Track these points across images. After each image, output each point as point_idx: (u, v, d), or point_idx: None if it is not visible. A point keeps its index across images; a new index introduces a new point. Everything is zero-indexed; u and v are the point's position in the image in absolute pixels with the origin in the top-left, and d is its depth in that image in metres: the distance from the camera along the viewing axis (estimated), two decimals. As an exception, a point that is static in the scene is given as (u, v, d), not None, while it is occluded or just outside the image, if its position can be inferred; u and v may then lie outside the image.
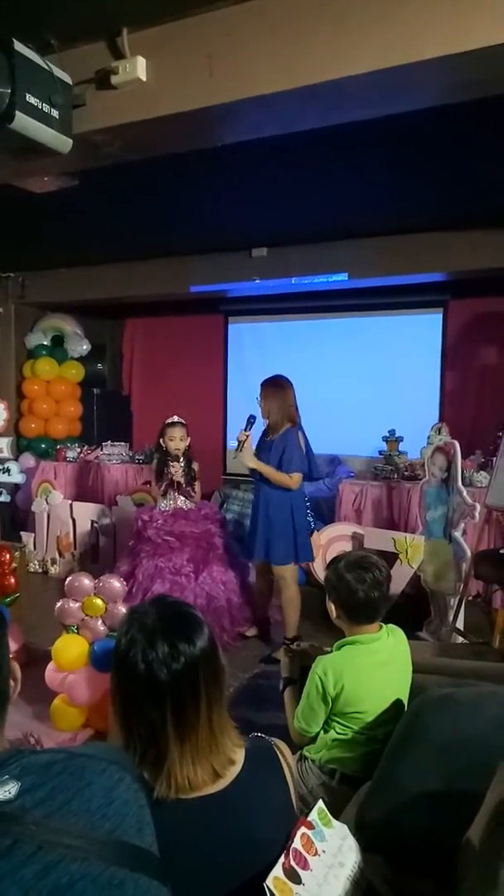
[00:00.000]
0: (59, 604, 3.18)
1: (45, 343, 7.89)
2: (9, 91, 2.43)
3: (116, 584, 3.19)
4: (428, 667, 2.19)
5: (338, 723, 1.88)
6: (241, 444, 3.96)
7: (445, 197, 4.84)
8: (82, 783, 0.90)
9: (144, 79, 2.69)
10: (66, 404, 7.87)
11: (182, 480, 4.28)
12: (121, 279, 7.15)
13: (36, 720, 3.25)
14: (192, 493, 4.35)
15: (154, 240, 6.25)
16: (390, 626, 2.01)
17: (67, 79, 2.70)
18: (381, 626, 1.98)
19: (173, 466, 4.25)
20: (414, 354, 7.15)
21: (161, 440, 4.33)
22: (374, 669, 1.88)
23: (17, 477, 6.91)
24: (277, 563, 4.02)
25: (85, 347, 8.03)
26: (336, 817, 1.29)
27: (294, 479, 3.89)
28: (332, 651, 1.97)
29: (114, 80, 2.71)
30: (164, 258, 6.83)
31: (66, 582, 3.22)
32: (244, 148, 3.11)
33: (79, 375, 7.98)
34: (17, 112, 2.45)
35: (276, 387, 4.00)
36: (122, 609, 3.19)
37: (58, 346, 7.96)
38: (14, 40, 2.45)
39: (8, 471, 5.60)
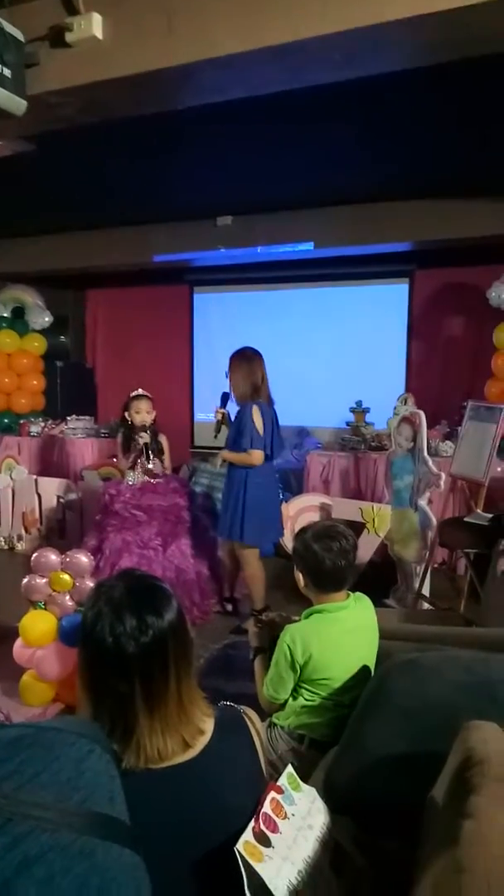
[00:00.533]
0: (25, 580, 3.15)
1: (4, 315, 7.68)
2: (-43, 48, 2.32)
3: (83, 559, 3.17)
4: (394, 633, 2.23)
5: (306, 689, 1.91)
6: (219, 422, 3.96)
7: (412, 166, 4.80)
8: (51, 756, 0.89)
9: (101, 37, 2.58)
10: (28, 378, 7.70)
11: (147, 451, 4.25)
12: (83, 248, 6.97)
13: (5, 696, 3.24)
14: (162, 467, 4.33)
15: (117, 208, 6.09)
16: (357, 594, 2.04)
17: (20, 35, 2.58)
18: (348, 595, 2.00)
19: (140, 437, 4.22)
20: (380, 325, 7.16)
21: (126, 413, 4.29)
22: (341, 637, 1.90)
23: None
24: (231, 539, 3.99)
25: (47, 319, 7.84)
26: (305, 781, 1.32)
27: (253, 456, 3.77)
28: (300, 620, 1.99)
29: (68, 37, 2.59)
30: (128, 227, 6.67)
31: (33, 558, 3.18)
32: (208, 113, 3.02)
33: (41, 348, 7.80)
34: (-34, 70, 2.33)
35: (242, 359, 3.92)
36: (90, 584, 3.17)
37: (18, 319, 7.75)
38: (-39, -7, 2.33)
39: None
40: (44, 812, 0.82)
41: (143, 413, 4.23)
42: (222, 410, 4.04)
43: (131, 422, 4.26)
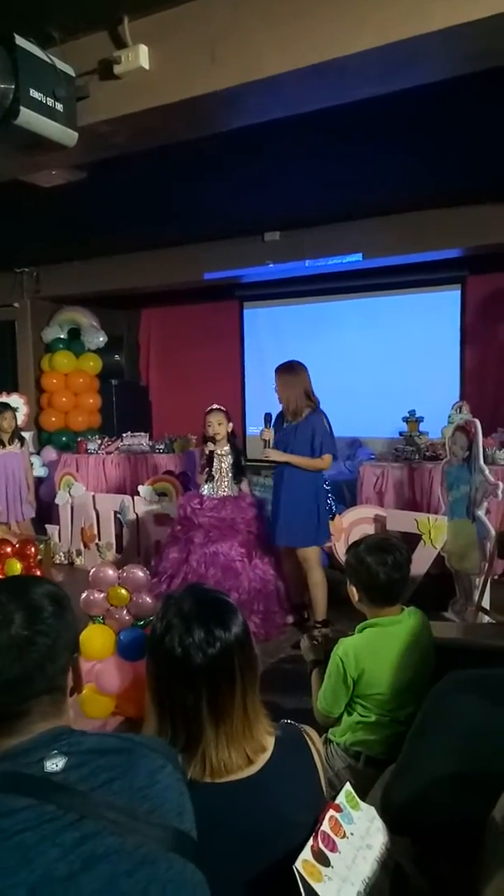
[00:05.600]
0: (84, 595, 3.22)
1: (61, 336, 7.94)
2: (12, 87, 2.43)
3: (140, 573, 3.22)
4: (453, 647, 2.19)
5: (360, 705, 1.89)
6: (267, 441, 4.03)
7: (460, 171, 4.75)
8: (126, 766, 0.95)
9: (147, 67, 2.67)
10: (84, 396, 7.93)
11: (227, 465, 4.32)
12: (134, 269, 7.15)
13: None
14: (237, 489, 4.38)
15: (166, 228, 6.23)
16: (412, 608, 2.01)
17: (70, 71, 2.69)
18: (402, 609, 1.98)
19: (207, 447, 4.30)
20: (433, 333, 7.07)
21: (204, 430, 4.39)
22: (395, 652, 1.88)
23: (39, 471, 7.03)
24: (301, 546, 4.06)
25: (101, 339, 8.06)
26: (362, 800, 1.30)
27: (326, 461, 4.00)
28: (353, 634, 1.98)
29: (117, 69, 2.69)
30: (178, 247, 6.81)
31: (91, 573, 3.25)
32: (253, 130, 3.08)
33: (96, 367, 8.02)
34: (21, 108, 2.45)
35: (291, 372, 4.05)
36: (147, 599, 3.23)
37: (74, 339, 8.00)
38: (15, 35, 2.45)
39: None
40: (114, 815, 0.87)
41: (213, 425, 4.31)
42: (270, 430, 4.08)
43: (206, 435, 4.35)
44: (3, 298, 7.91)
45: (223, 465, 4.33)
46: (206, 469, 4.34)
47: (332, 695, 1.92)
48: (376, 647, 1.89)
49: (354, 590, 1.99)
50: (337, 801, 1.24)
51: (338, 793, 1.25)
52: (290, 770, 1.25)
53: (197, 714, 1.17)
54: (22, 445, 5.69)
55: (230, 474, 4.35)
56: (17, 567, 3.70)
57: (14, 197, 4.44)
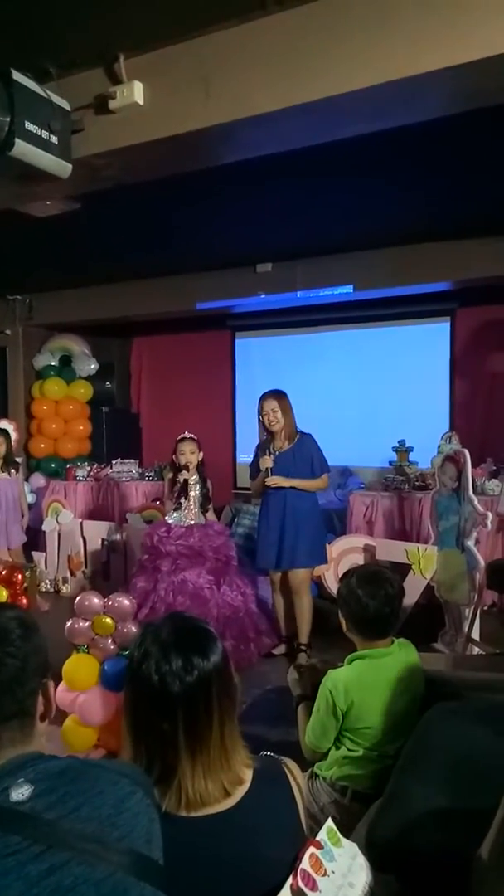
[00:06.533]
0: (68, 623, 3.18)
1: (53, 363, 7.96)
2: (8, 119, 2.48)
3: (126, 602, 3.18)
4: (441, 679, 2.17)
5: (349, 739, 1.86)
6: (269, 469, 4.09)
7: (450, 206, 4.85)
8: (94, 791, 0.92)
9: (142, 102, 2.73)
10: (75, 423, 7.92)
11: (196, 493, 4.31)
12: (127, 298, 7.21)
13: (48, 741, 3.23)
14: (203, 517, 4.38)
15: (159, 258, 6.30)
16: (401, 640, 1.99)
17: (66, 105, 2.75)
18: (392, 641, 1.96)
19: (181, 475, 4.28)
20: (422, 364, 7.13)
21: (173, 456, 4.38)
22: (384, 684, 1.86)
23: (28, 497, 6.97)
24: (307, 566, 4.15)
25: (93, 367, 8.09)
26: (348, 835, 1.27)
27: (324, 481, 4.21)
28: (342, 665, 1.96)
29: (111, 104, 2.75)
30: (170, 276, 6.88)
31: (76, 601, 3.22)
32: (246, 163, 3.15)
33: (87, 394, 8.03)
34: (16, 139, 2.49)
35: (284, 398, 4.18)
36: (132, 628, 3.19)
37: (66, 366, 8.02)
38: (12, 70, 2.50)
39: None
40: (82, 844, 0.84)
41: (186, 454, 4.30)
42: (269, 459, 4.11)
43: (177, 464, 4.34)
44: (-4, 325, 7.94)
45: (192, 493, 4.32)
46: (179, 497, 4.33)
47: (320, 728, 1.89)
48: (366, 679, 1.87)
49: (344, 620, 1.98)
50: (318, 838, 1.21)
51: (320, 828, 1.23)
52: (269, 804, 1.23)
53: (173, 743, 1.15)
54: (16, 471, 5.65)
55: (197, 503, 4.34)
56: (2, 594, 3.65)
57: (9, 225, 4.48)
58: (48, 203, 3.70)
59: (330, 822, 1.25)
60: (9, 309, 7.81)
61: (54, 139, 2.66)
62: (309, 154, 3.15)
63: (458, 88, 2.37)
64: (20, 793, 0.87)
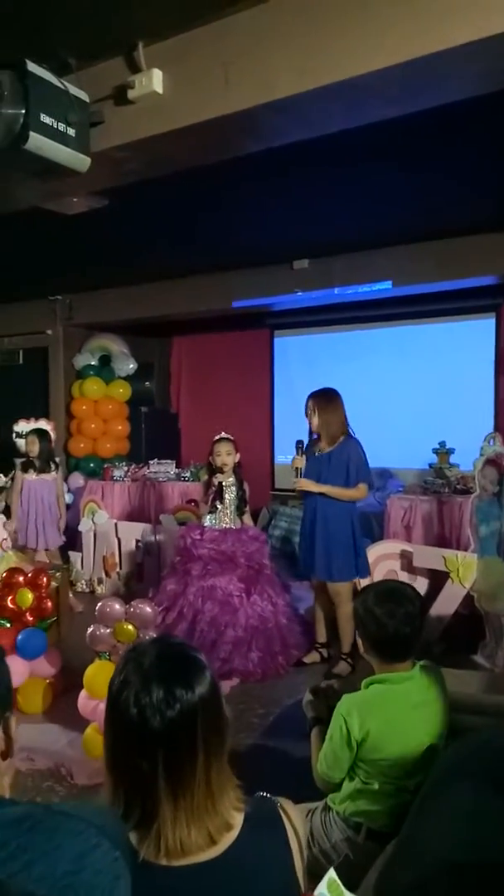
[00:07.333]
0: (90, 629, 3.12)
1: (92, 363, 7.98)
2: (22, 112, 2.40)
3: (148, 609, 3.11)
4: (472, 705, 2.00)
5: (363, 770, 1.71)
6: (298, 470, 3.92)
7: (495, 195, 4.61)
8: (51, 845, 0.80)
9: (161, 91, 2.62)
10: (113, 423, 7.93)
11: (232, 496, 4.21)
12: (164, 297, 7.17)
13: (70, 748, 3.19)
14: (240, 521, 4.27)
15: (196, 256, 6.24)
16: (424, 663, 1.83)
17: (84, 97, 2.67)
18: (413, 664, 1.80)
19: (216, 478, 4.19)
20: (465, 362, 6.88)
21: (210, 458, 4.28)
22: (404, 712, 1.71)
23: (66, 497, 7.00)
24: (340, 580, 3.90)
25: (131, 366, 8.09)
26: (361, 877, 1.14)
27: (361, 491, 3.87)
28: (360, 689, 1.81)
29: (130, 94, 2.65)
30: (206, 274, 6.80)
31: (98, 607, 3.15)
32: (280, 157, 3.04)
33: (126, 394, 8.03)
34: (31, 132, 2.41)
35: (329, 399, 3.96)
36: (154, 635, 3.10)
37: (105, 366, 8.04)
38: (27, 61, 2.43)
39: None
40: None
41: (223, 455, 4.20)
42: (301, 458, 3.95)
43: (213, 465, 4.23)
44: (37, 325, 8.01)
45: (228, 496, 4.21)
46: (215, 500, 4.21)
47: (333, 757, 1.74)
48: (383, 706, 1.72)
49: (360, 640, 1.83)
50: (317, 892, 1.08)
51: (321, 878, 1.10)
52: (260, 853, 1.10)
53: (153, 785, 1.03)
54: (57, 471, 5.66)
55: (233, 506, 4.22)
56: (28, 597, 3.61)
57: (48, 226, 4.48)
58: (75, 200, 3.65)
59: (332, 873, 1.11)
60: (50, 309, 7.87)
61: (72, 132, 2.58)
62: (342, 143, 3.02)
63: (493, 64, 2.18)
64: None
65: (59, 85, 2.55)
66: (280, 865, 1.13)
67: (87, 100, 2.68)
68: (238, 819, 1.11)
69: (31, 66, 2.43)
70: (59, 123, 2.53)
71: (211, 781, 1.07)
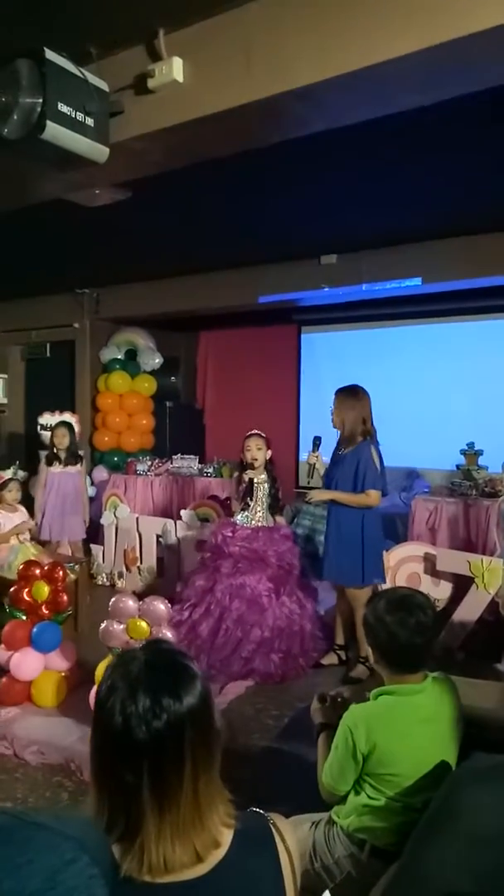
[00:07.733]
0: (102, 625, 3.09)
1: (118, 357, 7.99)
2: (40, 101, 2.37)
3: (161, 606, 3.07)
4: (487, 721, 1.91)
5: (370, 785, 1.64)
6: (312, 466, 3.86)
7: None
8: (23, 859, 0.77)
9: (181, 80, 2.57)
10: (138, 417, 7.93)
11: (263, 494, 4.16)
12: (190, 291, 7.13)
13: (82, 743, 3.17)
14: (271, 519, 4.21)
15: (223, 251, 6.18)
16: (437, 675, 1.75)
17: (104, 86, 2.63)
18: (425, 676, 1.73)
19: (246, 474, 4.14)
20: (497, 361, 6.71)
21: (242, 454, 4.23)
22: (414, 726, 1.63)
23: (90, 490, 7.02)
24: (345, 584, 3.85)
25: (157, 361, 8.07)
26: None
27: (372, 497, 3.71)
28: (368, 699, 1.74)
29: (150, 83, 2.60)
30: (233, 269, 6.74)
31: (111, 603, 3.13)
32: (307, 150, 2.96)
33: (151, 389, 8.02)
34: (48, 122, 2.38)
35: (352, 396, 3.86)
36: (167, 633, 3.07)
37: (131, 360, 8.04)
38: (46, 49, 2.39)
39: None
40: None
41: (252, 450, 4.14)
42: (317, 454, 3.89)
43: (244, 461, 4.19)
44: (65, 318, 8.04)
45: (259, 493, 4.15)
46: (246, 497, 4.16)
47: (338, 769, 1.67)
48: (392, 718, 1.64)
49: (370, 650, 1.75)
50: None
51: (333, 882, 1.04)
52: (249, 871, 1.04)
53: (137, 797, 0.98)
54: (80, 464, 5.68)
55: (265, 503, 4.16)
56: (44, 590, 3.61)
57: (76, 219, 4.46)
58: (97, 192, 3.61)
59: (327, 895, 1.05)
60: (77, 303, 7.90)
61: (90, 121, 2.55)
62: (371, 134, 2.94)
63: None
64: None
65: (78, 74, 2.52)
66: (269, 885, 1.07)
67: (107, 89, 2.64)
68: (227, 836, 1.05)
69: (50, 55, 2.40)
70: (78, 113, 2.50)
71: (199, 795, 1.01)
